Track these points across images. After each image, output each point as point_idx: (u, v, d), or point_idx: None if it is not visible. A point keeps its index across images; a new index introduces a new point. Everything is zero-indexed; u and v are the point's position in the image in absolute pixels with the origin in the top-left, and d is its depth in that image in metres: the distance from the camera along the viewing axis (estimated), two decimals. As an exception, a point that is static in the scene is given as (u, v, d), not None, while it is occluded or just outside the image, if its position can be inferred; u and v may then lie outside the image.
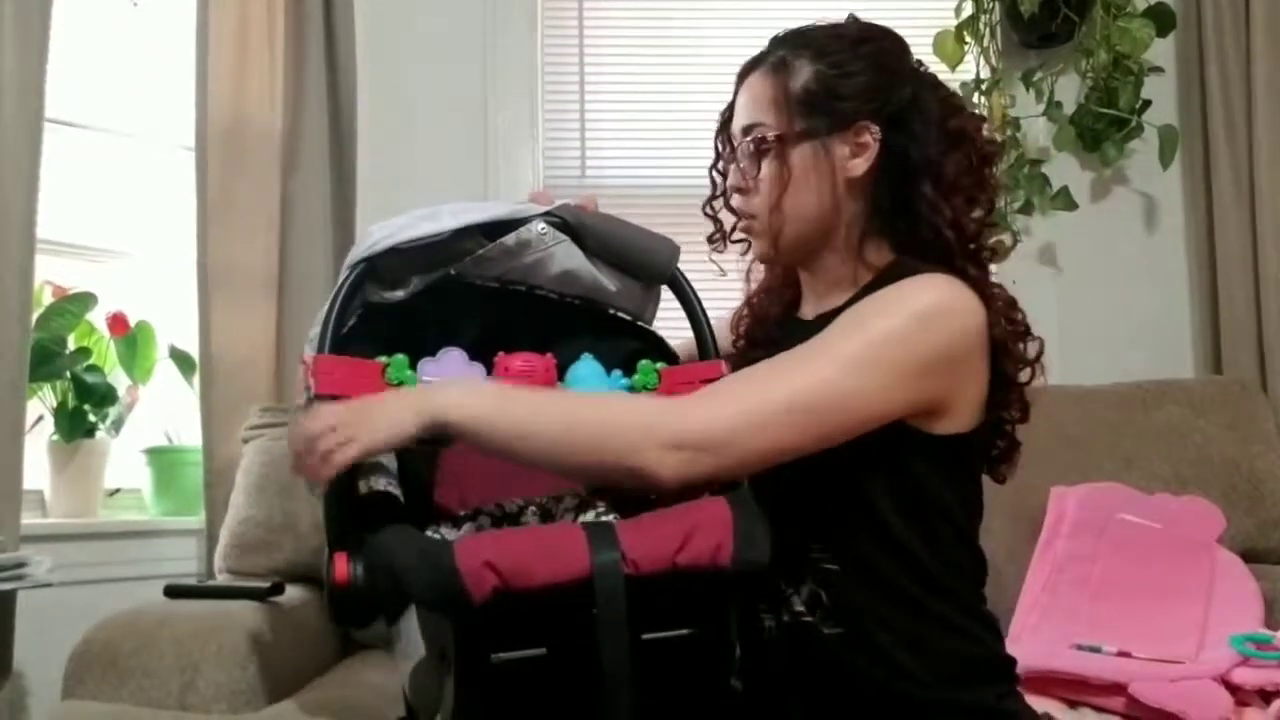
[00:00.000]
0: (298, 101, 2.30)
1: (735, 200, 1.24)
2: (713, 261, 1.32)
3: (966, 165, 1.18)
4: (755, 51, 1.25)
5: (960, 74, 2.42)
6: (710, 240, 1.32)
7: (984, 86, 2.44)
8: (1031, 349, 1.18)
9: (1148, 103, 2.45)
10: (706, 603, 0.99)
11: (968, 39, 2.44)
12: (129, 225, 2.39)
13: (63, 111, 2.22)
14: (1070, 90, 2.49)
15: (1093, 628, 1.73)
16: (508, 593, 0.89)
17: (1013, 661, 1.18)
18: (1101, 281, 2.49)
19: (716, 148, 1.28)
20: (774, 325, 1.28)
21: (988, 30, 2.47)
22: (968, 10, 2.46)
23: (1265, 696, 1.59)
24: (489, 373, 1.07)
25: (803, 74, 1.17)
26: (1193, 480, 2.05)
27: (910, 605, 1.11)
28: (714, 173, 1.30)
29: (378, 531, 0.99)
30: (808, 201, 1.18)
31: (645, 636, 0.94)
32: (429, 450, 1.19)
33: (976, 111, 1.22)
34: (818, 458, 1.06)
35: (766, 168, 1.18)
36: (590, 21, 2.59)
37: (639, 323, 1.23)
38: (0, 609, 1.80)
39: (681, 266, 1.20)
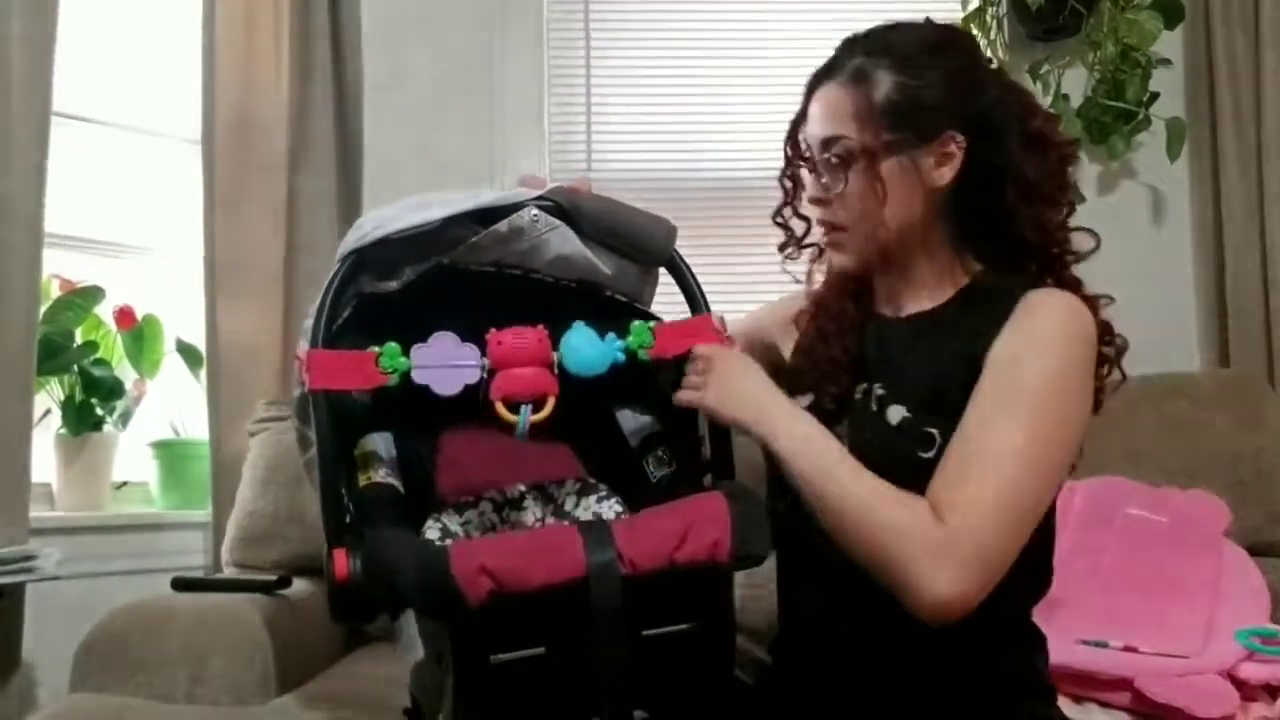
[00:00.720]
0: (304, 95, 2.30)
1: (818, 211, 1.22)
2: (786, 271, 1.32)
3: (1047, 168, 1.17)
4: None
5: (967, 67, 2.42)
6: (783, 249, 1.30)
7: (991, 79, 2.44)
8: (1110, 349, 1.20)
9: (1155, 95, 2.45)
10: (706, 597, 0.99)
11: (974, 31, 2.43)
12: (136, 219, 2.39)
13: (70, 106, 2.22)
14: (1077, 83, 2.49)
15: (1099, 622, 1.72)
16: (503, 596, 0.89)
17: (1053, 686, 1.21)
18: (1108, 275, 2.46)
19: (786, 153, 1.25)
20: (849, 322, 1.25)
21: (994, 22, 2.47)
22: (974, 2, 2.46)
23: (1271, 691, 1.58)
24: (482, 352, 1.05)
25: (884, 85, 1.15)
26: (1199, 474, 2.04)
27: (977, 622, 1.07)
28: (784, 180, 1.26)
29: (375, 531, 0.98)
30: (896, 213, 1.16)
31: (645, 633, 0.93)
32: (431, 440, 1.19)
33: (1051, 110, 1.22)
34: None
35: (854, 181, 1.16)
36: (596, 13, 2.59)
37: (636, 305, 1.21)
38: (9, 602, 1.81)
39: (690, 260, 1.18)
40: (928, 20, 1.21)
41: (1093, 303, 1.18)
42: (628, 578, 0.91)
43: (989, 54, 2.46)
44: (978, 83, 1.18)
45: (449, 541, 1.08)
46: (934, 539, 1.02)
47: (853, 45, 1.19)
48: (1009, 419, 1.07)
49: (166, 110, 2.40)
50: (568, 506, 1.16)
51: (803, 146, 1.22)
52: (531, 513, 1.16)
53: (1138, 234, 2.54)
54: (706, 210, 2.51)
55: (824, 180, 1.19)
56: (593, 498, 1.15)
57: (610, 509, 1.14)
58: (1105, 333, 1.18)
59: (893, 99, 1.14)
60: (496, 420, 1.04)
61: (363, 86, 2.37)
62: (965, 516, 1.03)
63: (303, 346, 1.05)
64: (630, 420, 1.22)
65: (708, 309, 1.18)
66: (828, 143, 1.17)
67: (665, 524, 0.96)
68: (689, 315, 1.18)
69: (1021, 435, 1.06)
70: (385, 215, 1.05)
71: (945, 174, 1.16)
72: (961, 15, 2.45)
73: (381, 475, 1.08)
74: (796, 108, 1.23)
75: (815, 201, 1.21)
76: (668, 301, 1.21)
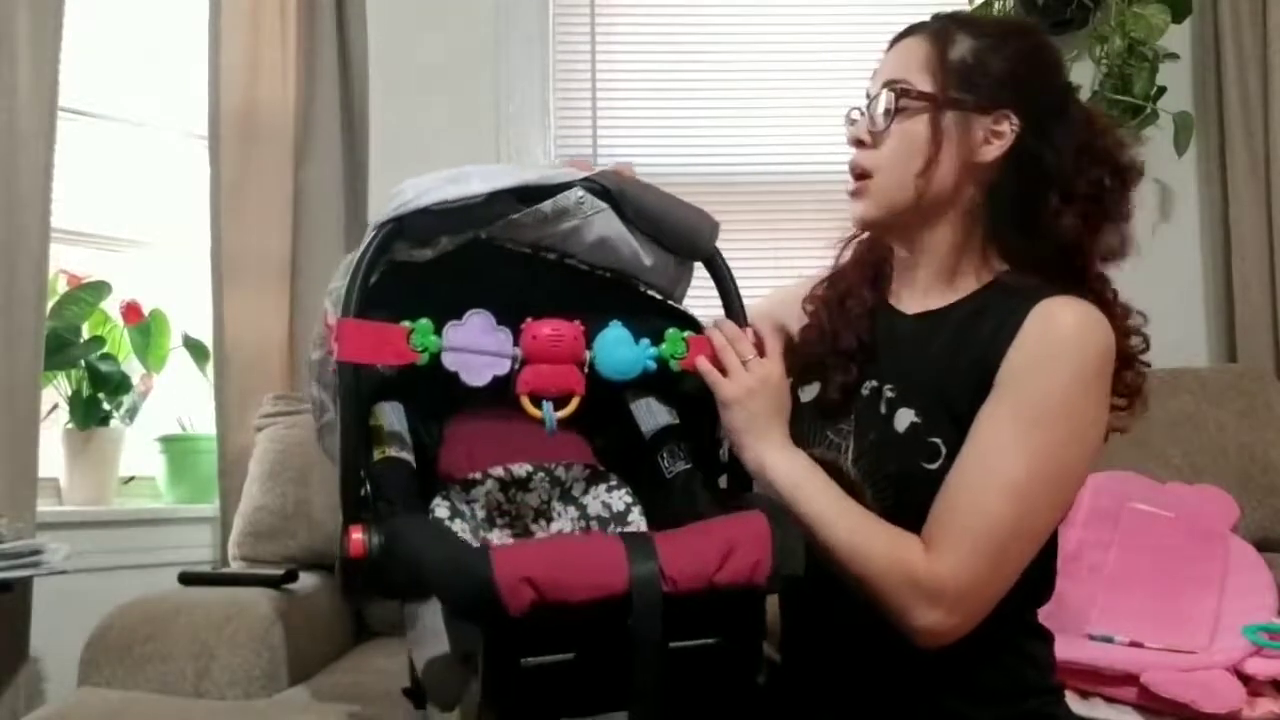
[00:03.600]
0: (310, 89, 2.31)
1: (855, 155, 1.19)
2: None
3: (1100, 185, 1.17)
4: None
5: (974, 60, 2.41)
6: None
7: (998, 73, 2.43)
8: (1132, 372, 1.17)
9: (1163, 89, 2.44)
10: (739, 615, 0.97)
11: (981, 25, 2.43)
12: (143, 214, 2.39)
13: (76, 101, 2.22)
14: (1085, 77, 2.47)
15: (1105, 617, 1.72)
16: (544, 607, 0.87)
17: (1060, 683, 1.21)
18: (1115, 269, 2.47)
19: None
20: (862, 310, 1.24)
21: (1001, 15, 2.46)
22: (982, -4, 2.45)
23: (1278, 687, 1.58)
24: (515, 339, 1.03)
25: (961, 46, 1.16)
26: (1207, 469, 2.04)
27: (984, 625, 1.08)
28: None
29: (393, 513, 0.97)
30: (930, 172, 1.15)
31: (673, 645, 0.92)
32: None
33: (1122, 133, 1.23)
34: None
35: (899, 126, 1.15)
36: (602, 4, 2.58)
37: (669, 302, 1.19)
38: (16, 596, 1.82)
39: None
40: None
41: (1124, 315, 1.17)
42: (668, 595, 0.90)
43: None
44: (1046, 77, 1.19)
45: (482, 537, 1.07)
46: (921, 580, 1.04)
47: (943, 15, 1.20)
48: (1013, 448, 1.05)
49: (173, 105, 2.40)
50: (575, 492, 1.15)
51: (870, 96, 1.19)
52: (538, 494, 1.14)
53: (1145, 228, 2.52)
54: (711, 203, 2.49)
55: (873, 116, 1.17)
56: (602, 486, 1.15)
57: (620, 500, 1.14)
58: (1129, 354, 1.16)
59: (965, 60, 1.15)
60: (513, 401, 1.03)
61: (368, 79, 2.37)
62: (954, 558, 1.04)
63: (331, 313, 1.03)
64: (647, 412, 1.20)
65: (743, 309, 1.16)
66: (887, 84, 1.16)
67: (708, 543, 0.94)
68: (723, 315, 1.17)
69: (1022, 467, 1.05)
70: (424, 184, 1.01)
71: (990, 152, 1.15)
72: (970, 8, 2.44)
73: (396, 450, 1.06)
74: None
75: (855, 143, 1.19)
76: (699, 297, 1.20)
